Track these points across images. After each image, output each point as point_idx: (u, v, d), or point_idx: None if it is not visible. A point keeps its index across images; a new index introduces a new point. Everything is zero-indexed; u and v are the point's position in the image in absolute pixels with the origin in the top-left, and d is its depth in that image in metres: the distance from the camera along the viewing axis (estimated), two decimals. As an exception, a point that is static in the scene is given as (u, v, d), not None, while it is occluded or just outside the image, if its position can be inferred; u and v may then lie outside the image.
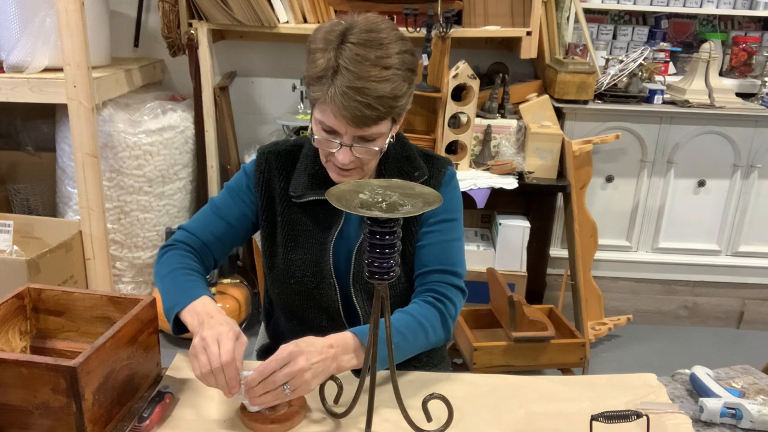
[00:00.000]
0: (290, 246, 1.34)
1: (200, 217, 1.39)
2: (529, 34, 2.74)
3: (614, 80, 2.88)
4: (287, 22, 2.74)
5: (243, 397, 1.09)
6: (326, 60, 1.15)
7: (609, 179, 2.97)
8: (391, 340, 1.05)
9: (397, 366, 1.08)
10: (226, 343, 1.07)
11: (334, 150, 1.22)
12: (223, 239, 1.38)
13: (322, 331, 1.15)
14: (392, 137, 1.29)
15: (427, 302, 1.29)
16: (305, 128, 2.81)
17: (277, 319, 1.49)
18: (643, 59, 2.88)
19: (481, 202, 2.55)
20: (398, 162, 1.35)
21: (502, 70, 3.01)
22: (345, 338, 1.15)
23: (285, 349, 1.07)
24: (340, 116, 1.15)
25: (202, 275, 1.32)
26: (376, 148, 1.23)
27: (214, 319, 1.14)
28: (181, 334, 1.24)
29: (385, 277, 0.97)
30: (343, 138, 1.20)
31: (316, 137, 1.23)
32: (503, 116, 2.82)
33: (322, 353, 1.10)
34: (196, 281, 1.27)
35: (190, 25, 2.72)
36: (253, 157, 1.40)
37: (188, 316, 1.19)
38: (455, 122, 2.70)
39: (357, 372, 1.16)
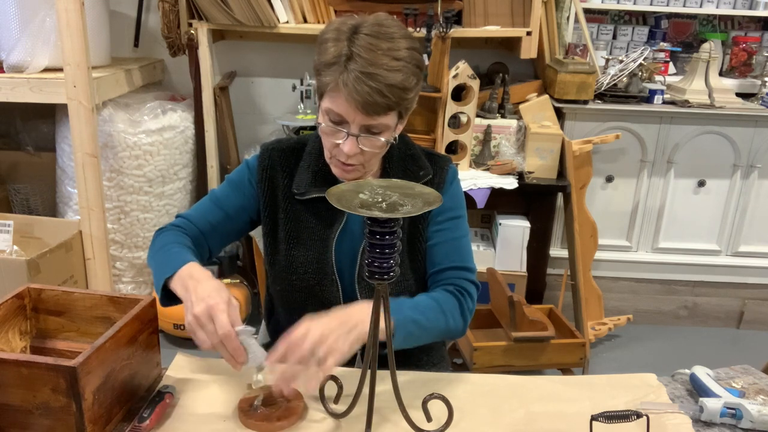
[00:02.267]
0: (292, 243, 1.35)
1: (199, 206, 1.40)
2: (529, 34, 2.74)
3: (614, 80, 2.88)
4: (287, 22, 2.74)
5: (255, 372, 1.09)
6: (338, 48, 1.17)
7: (609, 179, 2.97)
8: (392, 342, 1.05)
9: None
10: (220, 316, 1.06)
11: (340, 141, 1.22)
12: (219, 229, 1.38)
13: None
14: (395, 138, 1.30)
15: (448, 291, 1.32)
16: (305, 128, 2.81)
17: (277, 317, 1.49)
18: (643, 59, 2.88)
19: (481, 202, 2.55)
20: (402, 161, 1.36)
21: (502, 70, 3.01)
22: (360, 304, 1.15)
23: (301, 325, 1.07)
24: (352, 100, 1.16)
25: (192, 250, 1.29)
26: (383, 139, 1.23)
27: (201, 285, 1.12)
28: (170, 305, 1.22)
29: (385, 277, 0.97)
30: (350, 127, 1.21)
31: (322, 125, 1.24)
32: (503, 116, 2.82)
33: (334, 318, 1.10)
34: (183, 251, 1.25)
35: (190, 25, 2.72)
36: (255, 153, 1.40)
37: (176, 284, 1.17)
38: (455, 122, 2.70)
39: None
